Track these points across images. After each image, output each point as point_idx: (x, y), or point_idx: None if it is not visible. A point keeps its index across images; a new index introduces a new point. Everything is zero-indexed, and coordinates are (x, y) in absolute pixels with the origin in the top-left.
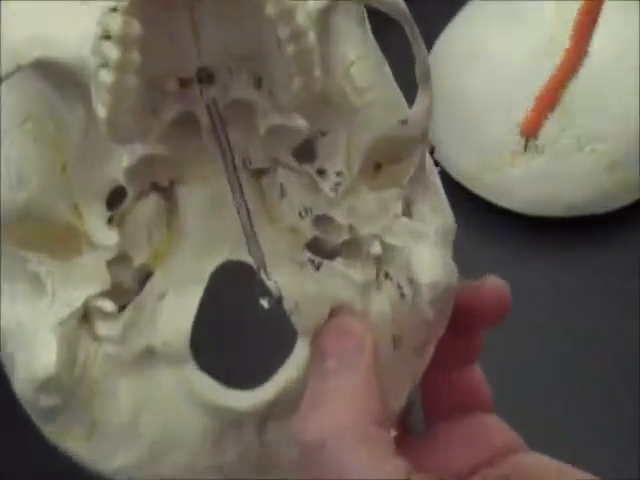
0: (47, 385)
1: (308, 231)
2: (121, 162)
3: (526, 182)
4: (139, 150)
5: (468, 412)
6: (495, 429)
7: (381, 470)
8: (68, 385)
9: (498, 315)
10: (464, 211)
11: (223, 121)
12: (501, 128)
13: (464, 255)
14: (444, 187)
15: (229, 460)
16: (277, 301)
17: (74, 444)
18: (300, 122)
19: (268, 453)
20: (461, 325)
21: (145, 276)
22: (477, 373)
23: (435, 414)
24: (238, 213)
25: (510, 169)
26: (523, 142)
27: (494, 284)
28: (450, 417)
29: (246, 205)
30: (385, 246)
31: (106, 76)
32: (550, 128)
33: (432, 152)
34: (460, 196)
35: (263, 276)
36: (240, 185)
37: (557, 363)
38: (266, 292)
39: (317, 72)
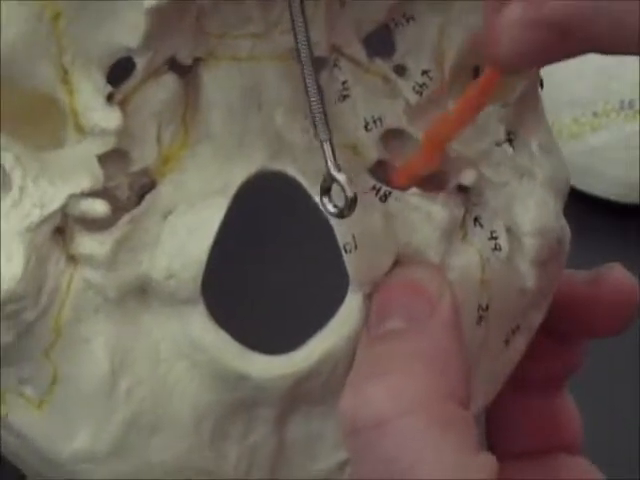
0: (5, 308)
1: (374, 150)
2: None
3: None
4: None
5: (549, 452)
6: (584, 477)
7: (462, 466)
8: (29, 317)
9: (623, 320)
10: None
11: None
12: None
13: None
14: None
15: (229, 460)
16: (350, 203)
17: (19, 412)
18: None
19: (287, 457)
20: (563, 329)
21: (145, 188)
22: (567, 399)
23: (502, 451)
24: (306, 90)
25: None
26: None
27: (621, 276)
28: (523, 457)
29: (317, 81)
30: (478, 179)
31: None
32: None
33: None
34: None
35: (331, 167)
36: (312, 53)
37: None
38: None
39: None
